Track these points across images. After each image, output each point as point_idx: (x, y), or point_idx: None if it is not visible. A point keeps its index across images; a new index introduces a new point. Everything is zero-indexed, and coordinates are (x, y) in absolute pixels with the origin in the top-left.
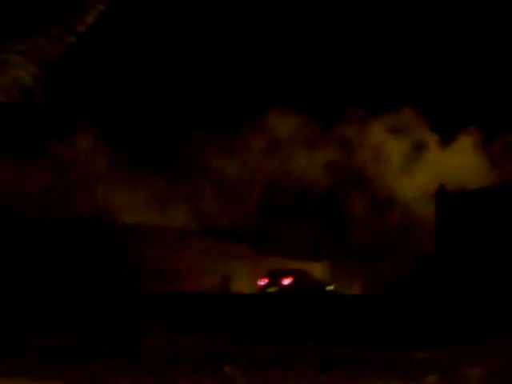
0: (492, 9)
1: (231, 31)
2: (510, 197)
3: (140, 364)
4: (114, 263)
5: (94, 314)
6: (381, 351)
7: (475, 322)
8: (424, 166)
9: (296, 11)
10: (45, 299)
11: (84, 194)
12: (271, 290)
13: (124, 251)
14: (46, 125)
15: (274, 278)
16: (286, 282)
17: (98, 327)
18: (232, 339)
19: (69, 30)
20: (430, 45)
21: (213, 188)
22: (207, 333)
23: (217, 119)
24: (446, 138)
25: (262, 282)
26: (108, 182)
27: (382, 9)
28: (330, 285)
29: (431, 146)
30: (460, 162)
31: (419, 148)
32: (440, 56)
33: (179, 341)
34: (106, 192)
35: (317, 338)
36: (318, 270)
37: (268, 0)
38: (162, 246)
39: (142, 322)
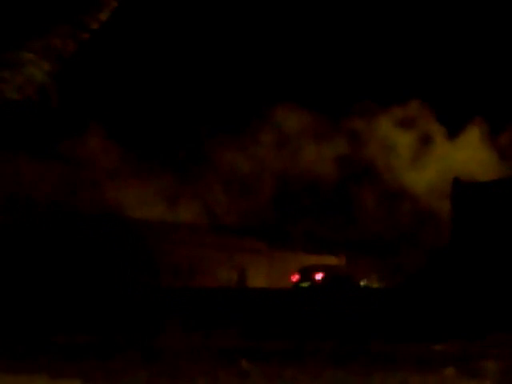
0: (497, 1)
1: (239, 27)
2: None
3: (157, 360)
4: (131, 259)
5: (110, 310)
6: (398, 344)
7: (492, 315)
8: (433, 159)
9: (303, 7)
10: (62, 296)
11: (96, 191)
12: (303, 285)
13: (141, 247)
14: (58, 122)
15: (306, 273)
16: (318, 276)
17: (115, 324)
18: (249, 334)
19: (82, 28)
20: (434, 35)
21: (223, 183)
22: (224, 328)
23: (225, 115)
24: (454, 130)
25: (295, 277)
26: (119, 179)
27: (388, 3)
28: (363, 280)
29: (439, 138)
30: (468, 154)
31: (427, 140)
32: (444, 46)
33: (196, 336)
34: (117, 189)
35: (333, 331)
36: (333, 263)
37: None
38: (179, 242)
39: (158, 317)
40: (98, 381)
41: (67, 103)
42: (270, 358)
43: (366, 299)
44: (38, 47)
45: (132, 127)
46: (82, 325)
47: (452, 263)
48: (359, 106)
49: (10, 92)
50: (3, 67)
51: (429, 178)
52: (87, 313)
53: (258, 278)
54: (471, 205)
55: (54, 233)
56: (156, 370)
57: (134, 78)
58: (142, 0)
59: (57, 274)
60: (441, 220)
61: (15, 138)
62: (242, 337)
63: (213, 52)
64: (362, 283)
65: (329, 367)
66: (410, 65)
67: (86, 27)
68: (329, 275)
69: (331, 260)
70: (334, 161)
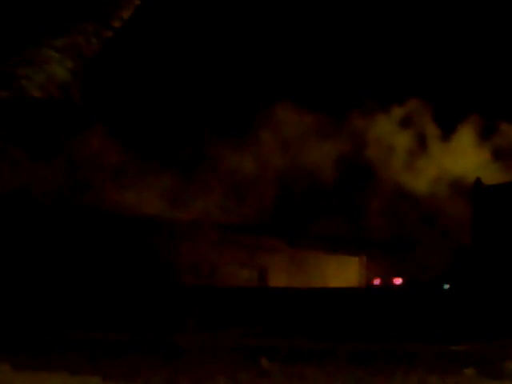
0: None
1: (240, 28)
2: None
3: (177, 358)
4: (151, 258)
5: (132, 308)
6: (418, 345)
7: None
8: (433, 157)
9: (302, 8)
10: (81, 294)
11: (104, 191)
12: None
13: (161, 246)
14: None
15: (387, 277)
16: (398, 281)
17: (136, 322)
18: (269, 333)
19: (105, 26)
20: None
21: (228, 183)
22: (244, 327)
23: (228, 114)
24: (451, 129)
25: (376, 281)
26: (127, 178)
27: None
28: (447, 282)
29: (440, 137)
30: (466, 153)
31: (428, 139)
32: (443, 44)
33: (216, 335)
34: (126, 188)
35: (354, 332)
36: (355, 264)
37: None
38: (200, 241)
39: (179, 316)
40: (117, 379)
41: (88, 101)
42: (291, 357)
43: (377, 299)
44: (61, 45)
45: (136, 127)
46: (102, 323)
47: (474, 264)
48: (361, 104)
49: (32, 89)
50: (26, 64)
51: (432, 177)
52: (108, 311)
53: (278, 278)
54: (493, 206)
55: (73, 231)
56: (176, 368)
57: (145, 78)
58: None
59: (78, 272)
60: (458, 220)
61: (24, 136)
62: (263, 336)
63: (216, 51)
64: (445, 286)
65: (349, 367)
66: (410, 63)
67: (108, 25)
68: (409, 279)
69: (353, 260)
70: (335, 159)
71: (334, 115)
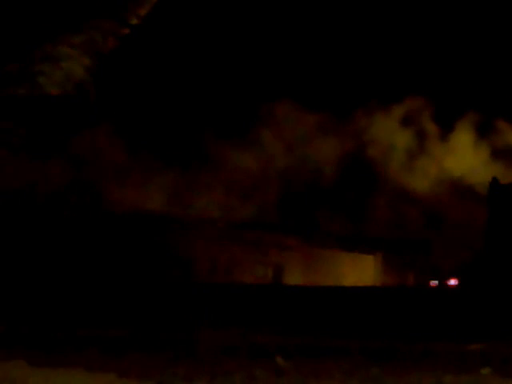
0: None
1: (243, 28)
2: None
3: (193, 356)
4: (166, 255)
5: (147, 305)
6: (434, 343)
7: None
8: (433, 157)
9: (303, 8)
10: (98, 291)
11: (112, 188)
12: None
13: (177, 243)
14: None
15: (443, 278)
16: (452, 282)
17: (151, 319)
18: (285, 331)
19: (122, 23)
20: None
21: (236, 181)
22: (260, 324)
23: (229, 114)
24: (449, 128)
25: (433, 283)
26: (134, 176)
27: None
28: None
29: (439, 136)
30: (464, 152)
31: (427, 138)
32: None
33: (232, 333)
34: (133, 186)
35: (369, 330)
36: (370, 262)
37: None
38: (215, 238)
39: (195, 313)
40: (132, 376)
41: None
42: (306, 354)
43: (394, 298)
44: (78, 42)
45: (140, 126)
46: (119, 320)
47: (490, 262)
48: (362, 104)
49: (49, 86)
50: (43, 61)
51: (432, 177)
52: (124, 308)
53: (293, 275)
54: (509, 206)
55: (85, 230)
56: (192, 365)
57: (150, 76)
58: None
59: (95, 269)
60: (471, 219)
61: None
62: (278, 334)
63: (219, 50)
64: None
65: (364, 365)
66: (411, 62)
67: (125, 22)
68: (465, 281)
69: (369, 258)
70: (336, 158)
71: (338, 114)
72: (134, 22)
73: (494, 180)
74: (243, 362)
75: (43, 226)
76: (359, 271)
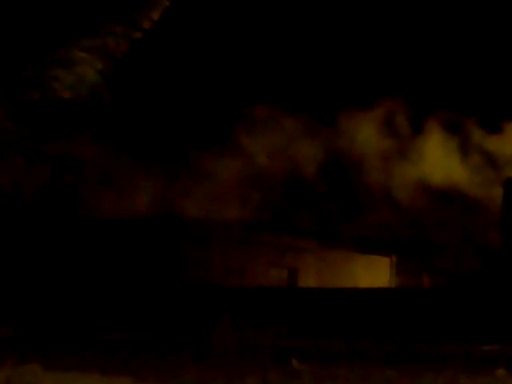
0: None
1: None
2: None
3: (208, 358)
4: (181, 259)
5: (161, 308)
6: (449, 345)
7: None
8: (410, 156)
9: (282, 11)
10: (112, 295)
11: (105, 194)
12: None
13: (190, 246)
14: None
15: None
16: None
17: (166, 322)
18: (300, 333)
19: (134, 27)
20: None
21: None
22: (275, 327)
23: (208, 120)
24: (423, 126)
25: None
26: (133, 180)
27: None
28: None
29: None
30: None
31: (408, 138)
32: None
33: (247, 335)
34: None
35: (384, 332)
36: (385, 264)
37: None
38: (230, 240)
39: (209, 316)
40: (149, 379)
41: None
42: (321, 357)
43: (408, 299)
44: (90, 46)
45: (127, 132)
46: (133, 323)
47: (505, 264)
48: (339, 105)
49: (62, 91)
50: (56, 66)
51: (411, 177)
52: (140, 312)
53: (307, 278)
54: None
55: (100, 234)
56: (206, 368)
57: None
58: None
59: (110, 273)
60: (483, 220)
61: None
62: (293, 336)
63: (205, 53)
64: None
65: (379, 367)
66: (391, 65)
67: (138, 26)
68: None
69: (384, 260)
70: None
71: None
72: (147, 26)
73: (509, 180)
74: (257, 364)
75: (56, 230)
76: (374, 273)
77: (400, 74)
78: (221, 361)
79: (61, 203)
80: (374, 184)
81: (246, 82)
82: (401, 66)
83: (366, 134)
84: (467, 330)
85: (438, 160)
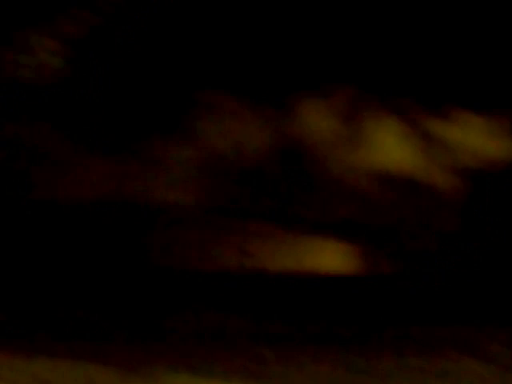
0: None
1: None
2: None
3: (171, 345)
4: (135, 242)
5: (118, 293)
6: (403, 327)
7: (506, 299)
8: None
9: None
10: (66, 279)
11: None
12: None
13: (146, 230)
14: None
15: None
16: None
17: (125, 308)
18: (262, 318)
19: (96, 12)
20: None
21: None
22: (236, 312)
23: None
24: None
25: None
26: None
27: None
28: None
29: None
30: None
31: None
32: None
33: (208, 321)
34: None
35: (349, 317)
36: (342, 249)
37: None
38: (185, 225)
39: (167, 301)
40: (107, 364)
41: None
42: (287, 343)
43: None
44: (52, 31)
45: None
46: (84, 308)
47: (460, 248)
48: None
49: (23, 76)
50: (17, 51)
51: (360, 163)
52: (91, 296)
53: (267, 262)
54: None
55: (58, 219)
56: (172, 354)
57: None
58: None
59: (62, 258)
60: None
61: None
62: (257, 321)
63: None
64: None
65: (346, 352)
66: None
67: (100, 11)
68: None
69: (343, 244)
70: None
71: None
72: (109, 10)
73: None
74: (223, 350)
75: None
76: (336, 258)
77: (352, 60)
78: (185, 347)
79: (12, 187)
80: (326, 169)
81: (197, 66)
82: (352, 52)
83: (318, 118)
84: (421, 312)
85: (389, 145)
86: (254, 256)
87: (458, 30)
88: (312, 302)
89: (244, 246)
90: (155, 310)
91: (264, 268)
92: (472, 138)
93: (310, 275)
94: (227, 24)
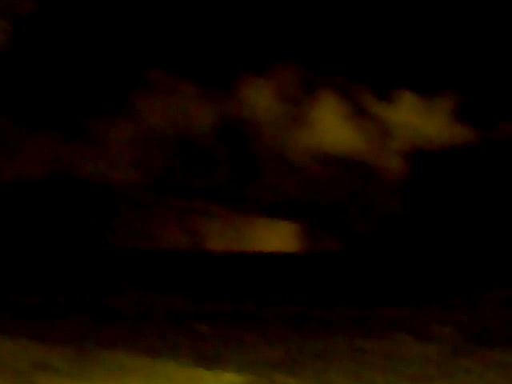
0: None
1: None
2: (483, 153)
3: (112, 322)
4: (82, 221)
5: (64, 272)
6: (346, 308)
7: (448, 281)
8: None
9: None
10: (12, 258)
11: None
12: None
13: (91, 208)
14: None
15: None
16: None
17: (68, 285)
18: (205, 297)
19: None
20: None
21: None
22: (180, 291)
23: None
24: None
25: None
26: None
27: None
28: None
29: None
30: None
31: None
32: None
33: (152, 299)
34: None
35: (292, 296)
36: (290, 229)
37: None
38: (130, 203)
39: (113, 279)
40: (53, 342)
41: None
42: (229, 321)
43: (315, 263)
44: None
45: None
46: (31, 286)
47: (403, 227)
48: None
49: None
50: None
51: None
52: (42, 274)
53: (213, 242)
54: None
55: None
56: (111, 332)
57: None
58: None
59: (13, 236)
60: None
61: None
62: (199, 300)
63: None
64: None
65: (289, 331)
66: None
67: None
68: None
69: (290, 225)
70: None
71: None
72: None
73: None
74: (164, 328)
75: None
76: (281, 238)
77: (297, 41)
78: (126, 324)
79: None
80: (270, 149)
81: (141, 45)
82: (295, 31)
83: (261, 98)
84: (364, 294)
85: (333, 126)
86: (200, 235)
87: (401, 13)
88: (254, 281)
89: (189, 225)
90: (100, 290)
91: (209, 247)
92: (414, 118)
93: (255, 254)
94: (171, 3)
